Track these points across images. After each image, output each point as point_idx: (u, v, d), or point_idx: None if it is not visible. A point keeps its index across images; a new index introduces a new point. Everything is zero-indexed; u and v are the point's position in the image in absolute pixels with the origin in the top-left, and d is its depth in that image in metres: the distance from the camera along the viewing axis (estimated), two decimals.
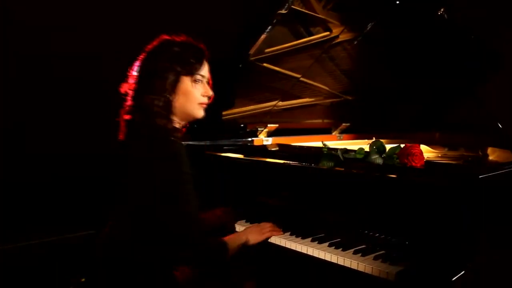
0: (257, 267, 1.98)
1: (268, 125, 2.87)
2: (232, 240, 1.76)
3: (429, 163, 1.79)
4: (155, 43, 1.75)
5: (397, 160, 1.80)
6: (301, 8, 2.35)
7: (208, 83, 1.81)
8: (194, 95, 1.74)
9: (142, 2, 2.79)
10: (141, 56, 1.75)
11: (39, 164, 2.66)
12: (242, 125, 2.86)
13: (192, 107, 1.75)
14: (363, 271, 1.59)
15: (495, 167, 1.66)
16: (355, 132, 3.36)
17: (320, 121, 3.26)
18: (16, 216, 2.61)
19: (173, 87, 1.70)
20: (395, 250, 1.65)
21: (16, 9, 2.51)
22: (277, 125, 2.91)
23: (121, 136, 1.74)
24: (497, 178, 1.60)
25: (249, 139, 2.85)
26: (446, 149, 2.75)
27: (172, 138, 1.65)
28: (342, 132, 3.33)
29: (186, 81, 1.72)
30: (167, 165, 1.58)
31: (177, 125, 1.74)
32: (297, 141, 2.99)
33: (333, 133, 3.32)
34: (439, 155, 2.52)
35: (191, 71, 1.72)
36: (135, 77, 1.73)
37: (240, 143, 2.78)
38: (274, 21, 2.26)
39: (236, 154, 2.40)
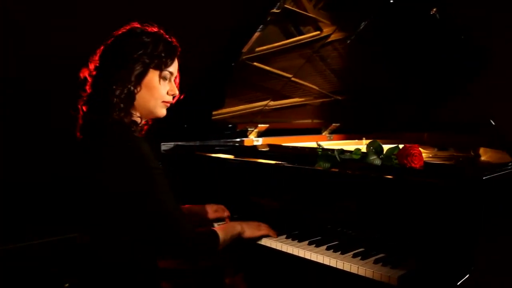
0: (251, 271, 1.93)
1: (259, 125, 2.83)
2: (225, 229, 1.70)
3: (427, 164, 1.76)
4: (124, 29, 1.65)
5: (396, 161, 1.77)
6: (293, 7, 2.31)
7: (174, 81, 1.72)
8: (160, 91, 1.64)
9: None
10: (108, 41, 1.64)
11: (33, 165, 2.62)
12: (230, 125, 2.81)
13: (154, 104, 1.65)
14: (364, 275, 1.55)
15: (495, 168, 1.64)
16: (345, 133, 3.33)
17: (310, 121, 3.22)
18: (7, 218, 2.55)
19: (139, 79, 1.59)
20: (396, 253, 1.62)
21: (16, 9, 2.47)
22: (267, 125, 2.86)
23: (78, 133, 1.64)
24: (499, 179, 1.58)
25: (238, 139, 2.80)
26: (435, 150, 2.75)
27: (132, 134, 1.57)
28: (332, 132, 3.30)
29: (153, 76, 1.62)
30: (131, 163, 1.49)
31: (137, 120, 1.65)
32: (287, 141, 2.96)
33: (323, 133, 3.29)
34: (430, 156, 2.51)
35: (160, 66, 1.62)
36: (98, 62, 1.62)
37: (231, 143, 2.72)
38: (268, 18, 2.22)
39: (227, 155, 2.35)
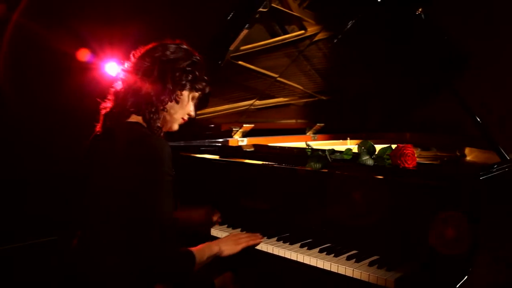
0: (241, 276, 1.87)
1: (244, 125, 2.77)
2: (202, 251, 1.63)
3: (420, 164, 1.75)
4: (172, 42, 1.71)
5: (388, 161, 1.74)
6: (277, 6, 2.27)
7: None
8: (187, 109, 1.73)
9: None
10: (154, 47, 1.68)
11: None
12: (213, 125, 2.75)
13: (177, 118, 1.72)
14: (359, 278, 1.51)
15: (490, 167, 1.62)
16: (328, 133, 3.31)
17: (294, 121, 3.19)
18: None
19: (179, 91, 1.67)
20: (390, 255, 1.59)
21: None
22: (252, 125, 2.81)
23: (98, 128, 1.66)
24: (496, 179, 1.57)
25: (222, 139, 2.74)
26: (419, 150, 2.75)
27: (158, 136, 1.61)
28: (316, 132, 3.27)
29: (188, 93, 1.71)
30: (150, 162, 1.49)
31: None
32: (272, 141, 2.92)
33: (308, 134, 3.26)
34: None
35: (198, 87, 1.72)
36: (140, 63, 1.65)
37: (216, 143, 2.66)
38: (256, 16, 2.17)
39: (214, 156, 2.29)
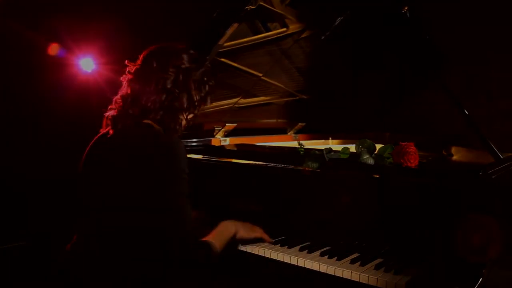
0: (240, 280, 1.78)
1: (227, 124, 2.68)
2: (220, 236, 1.61)
3: (422, 164, 1.70)
4: (175, 45, 1.67)
5: (389, 160, 1.69)
6: (262, 3, 2.19)
7: None
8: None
9: None
10: (169, 52, 1.64)
11: None
12: (193, 124, 2.64)
13: (186, 123, 1.71)
14: (366, 282, 1.44)
15: (495, 165, 1.59)
16: (309, 132, 3.26)
17: (275, 120, 3.12)
18: None
19: (201, 100, 1.71)
20: (396, 258, 1.53)
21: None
22: (235, 124, 2.72)
23: (110, 130, 1.58)
24: (506, 177, 1.55)
25: (203, 139, 2.64)
26: None
27: (173, 134, 1.59)
28: (297, 132, 3.21)
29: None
30: (166, 160, 1.46)
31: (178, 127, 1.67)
32: (253, 141, 2.84)
33: (289, 133, 3.19)
34: None
35: (211, 94, 1.75)
36: (150, 64, 1.60)
37: (198, 143, 2.55)
38: (244, 13, 2.08)
39: (202, 155, 2.19)
